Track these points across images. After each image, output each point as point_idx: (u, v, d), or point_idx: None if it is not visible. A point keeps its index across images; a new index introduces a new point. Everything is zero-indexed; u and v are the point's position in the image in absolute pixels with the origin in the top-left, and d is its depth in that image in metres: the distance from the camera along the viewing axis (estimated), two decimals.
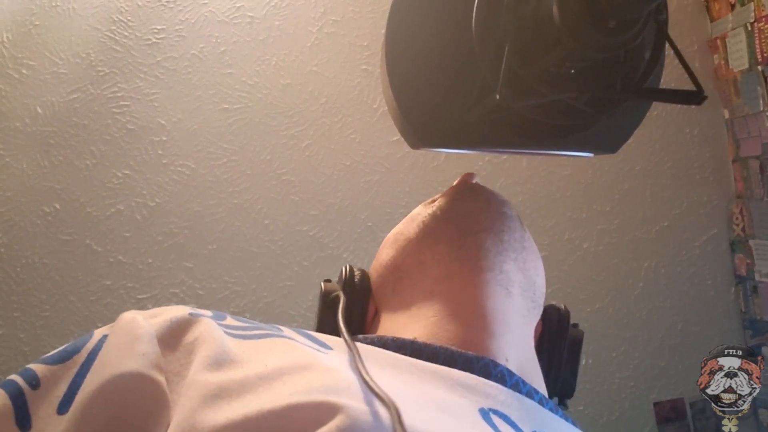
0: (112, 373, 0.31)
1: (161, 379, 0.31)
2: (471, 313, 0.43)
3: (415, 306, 0.45)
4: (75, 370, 0.32)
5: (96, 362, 0.32)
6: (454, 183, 0.54)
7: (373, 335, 0.42)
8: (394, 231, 0.52)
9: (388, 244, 0.51)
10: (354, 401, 0.29)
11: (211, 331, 0.33)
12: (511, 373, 0.39)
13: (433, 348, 0.39)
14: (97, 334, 0.34)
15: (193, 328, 0.33)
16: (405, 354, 0.38)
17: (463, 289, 0.44)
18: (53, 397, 0.31)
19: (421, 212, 0.51)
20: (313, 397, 0.29)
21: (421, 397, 0.34)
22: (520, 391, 0.38)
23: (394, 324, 0.45)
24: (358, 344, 0.38)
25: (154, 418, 0.30)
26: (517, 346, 0.44)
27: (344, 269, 0.51)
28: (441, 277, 0.45)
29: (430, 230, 0.48)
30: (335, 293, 0.49)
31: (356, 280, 0.50)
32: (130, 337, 0.32)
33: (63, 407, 0.31)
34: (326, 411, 0.28)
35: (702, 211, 1.62)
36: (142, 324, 0.33)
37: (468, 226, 0.47)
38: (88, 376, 0.31)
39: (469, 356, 0.38)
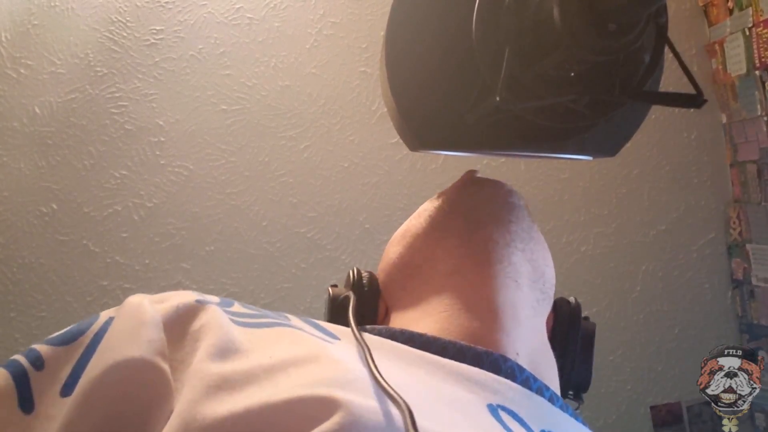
0: (116, 359, 0.30)
1: (165, 366, 0.31)
2: (481, 308, 0.42)
3: (425, 301, 0.45)
4: (80, 351, 0.32)
5: (101, 346, 0.32)
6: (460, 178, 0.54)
7: (382, 326, 0.41)
8: (401, 229, 0.51)
9: (396, 242, 0.50)
10: (358, 396, 0.28)
11: (217, 318, 0.33)
12: (521, 369, 0.39)
13: (442, 342, 0.38)
14: (103, 316, 0.34)
15: (200, 316, 0.33)
16: (414, 347, 0.38)
17: (473, 284, 0.44)
18: (57, 379, 0.31)
19: (428, 207, 0.50)
20: (315, 391, 0.28)
21: (429, 392, 0.33)
22: (530, 388, 0.38)
23: (404, 320, 0.45)
24: (366, 335, 0.38)
25: (157, 406, 0.30)
26: (528, 339, 0.43)
27: (352, 272, 0.50)
28: (450, 271, 0.45)
29: (438, 224, 0.48)
30: (345, 295, 0.48)
31: (365, 282, 0.49)
32: (136, 322, 0.32)
33: (67, 390, 0.30)
34: (327, 406, 0.28)
35: (699, 215, 1.63)
36: (148, 309, 0.33)
37: (476, 218, 0.47)
38: (93, 359, 0.31)
39: (478, 351, 0.38)
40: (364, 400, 0.28)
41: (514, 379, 0.38)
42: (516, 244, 0.46)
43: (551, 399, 0.39)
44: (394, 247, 0.50)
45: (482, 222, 0.46)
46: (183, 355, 0.31)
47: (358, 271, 0.50)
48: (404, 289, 0.47)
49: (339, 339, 0.36)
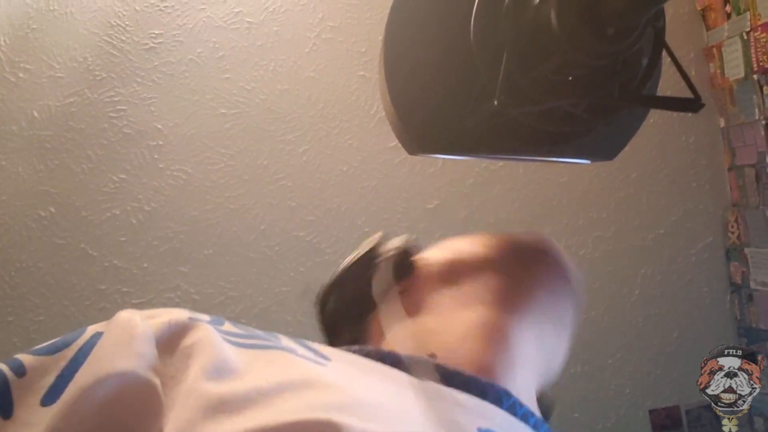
0: (107, 371, 0.30)
1: (157, 382, 0.30)
2: (498, 343, 0.44)
3: (449, 312, 0.46)
4: (64, 363, 0.31)
5: (90, 357, 0.31)
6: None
7: (371, 348, 0.42)
8: (465, 242, 0.53)
9: (452, 250, 0.52)
10: (356, 420, 0.28)
11: (210, 337, 0.32)
12: (508, 395, 0.39)
13: (442, 368, 0.39)
14: (90, 330, 0.34)
15: (191, 333, 0.33)
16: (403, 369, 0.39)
17: (499, 322, 0.45)
18: (38, 387, 0.31)
19: (509, 239, 0.52)
20: (314, 415, 0.28)
21: (420, 415, 0.33)
22: (515, 414, 0.39)
23: (419, 326, 0.46)
24: (355, 357, 0.38)
25: (146, 421, 0.29)
26: (523, 384, 0.45)
27: (398, 246, 0.52)
28: (484, 301, 0.46)
29: (497, 265, 0.50)
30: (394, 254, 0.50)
31: (406, 261, 0.51)
32: (127, 336, 0.32)
33: (48, 399, 0.30)
34: (326, 430, 0.27)
35: (698, 219, 1.63)
36: (139, 324, 0.32)
37: (530, 283, 0.49)
38: (81, 370, 0.31)
39: (466, 376, 0.39)
40: (362, 424, 0.28)
41: (500, 404, 0.39)
42: (553, 320, 0.48)
43: (536, 426, 0.40)
44: (447, 253, 0.52)
45: (541, 284, 0.48)
46: (174, 371, 0.31)
47: (408, 249, 0.52)
48: (438, 292, 0.48)
49: (330, 360, 0.36)
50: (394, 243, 0.53)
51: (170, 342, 0.32)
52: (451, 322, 0.45)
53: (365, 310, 0.50)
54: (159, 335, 0.32)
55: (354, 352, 0.40)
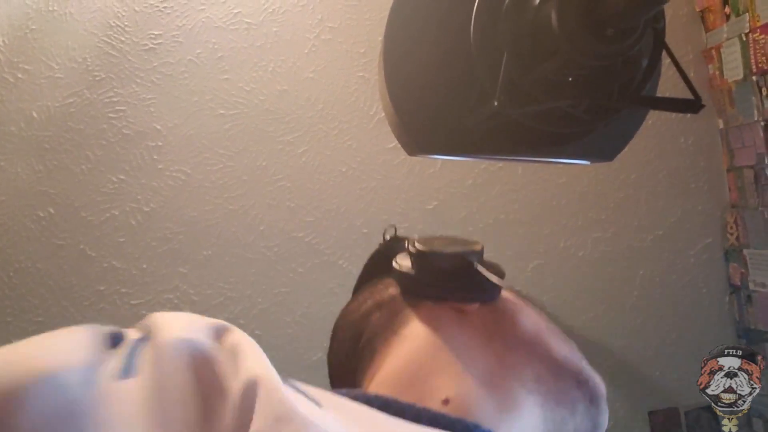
0: (178, 336, 0.31)
1: (219, 372, 0.31)
2: (515, 417, 0.45)
3: (488, 369, 0.47)
4: (125, 354, 0.32)
5: (160, 332, 0.32)
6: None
7: (358, 391, 0.43)
8: (558, 336, 0.54)
9: (545, 329, 0.53)
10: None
11: (248, 338, 0.34)
12: None
13: (427, 412, 0.41)
14: (131, 335, 0.34)
15: (231, 333, 0.34)
16: (390, 413, 0.40)
17: (528, 402, 0.47)
18: (112, 370, 0.31)
19: (583, 367, 0.53)
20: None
21: None
22: None
23: (443, 364, 0.47)
24: (344, 400, 0.39)
25: (215, 398, 0.30)
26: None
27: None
28: (527, 385, 0.47)
29: (570, 374, 0.51)
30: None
31: (496, 288, 0.51)
32: (186, 323, 0.32)
33: (123, 375, 0.31)
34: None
35: (697, 220, 1.63)
36: (187, 319, 0.34)
37: (578, 404, 0.50)
38: (150, 344, 0.31)
39: (451, 419, 0.40)
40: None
41: None
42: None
43: None
44: (535, 321, 0.53)
45: (565, 409, 0.50)
46: (231, 367, 0.32)
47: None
48: (491, 342, 0.49)
49: (321, 405, 0.37)
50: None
51: (218, 337, 0.34)
52: (487, 378, 0.46)
53: (431, 294, 0.51)
54: (209, 331, 0.33)
55: (342, 395, 0.41)
